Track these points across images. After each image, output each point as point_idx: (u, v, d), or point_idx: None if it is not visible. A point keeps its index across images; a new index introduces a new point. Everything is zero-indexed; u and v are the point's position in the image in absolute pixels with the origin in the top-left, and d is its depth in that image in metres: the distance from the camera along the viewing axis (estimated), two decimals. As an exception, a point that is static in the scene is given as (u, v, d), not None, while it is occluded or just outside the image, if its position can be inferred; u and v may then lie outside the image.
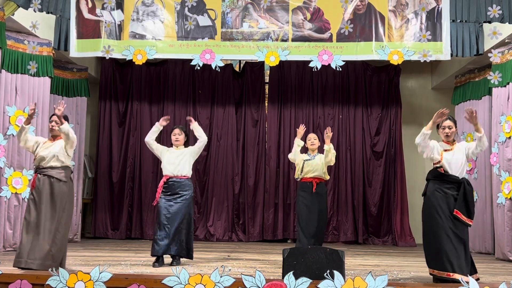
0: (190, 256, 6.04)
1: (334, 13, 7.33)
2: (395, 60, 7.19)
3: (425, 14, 7.25)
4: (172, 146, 6.26)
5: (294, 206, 8.95)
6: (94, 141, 9.74)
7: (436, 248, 4.77)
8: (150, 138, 6.25)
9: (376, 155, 9.53)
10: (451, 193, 4.83)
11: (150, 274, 4.98)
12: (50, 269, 4.23)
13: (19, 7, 6.72)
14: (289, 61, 8.04)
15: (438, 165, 4.96)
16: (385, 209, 9.41)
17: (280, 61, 7.26)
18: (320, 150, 6.71)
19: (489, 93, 7.85)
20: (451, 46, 7.17)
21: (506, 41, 7.19)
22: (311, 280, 4.05)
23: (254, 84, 9.69)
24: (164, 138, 9.30)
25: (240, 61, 9.83)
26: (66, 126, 5.15)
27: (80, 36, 7.39)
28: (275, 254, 7.09)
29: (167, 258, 6.11)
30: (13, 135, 7.04)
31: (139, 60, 7.28)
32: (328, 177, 6.59)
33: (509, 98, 7.22)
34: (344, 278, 4.06)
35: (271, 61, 7.22)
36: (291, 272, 4.05)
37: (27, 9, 6.83)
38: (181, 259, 6.09)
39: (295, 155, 6.66)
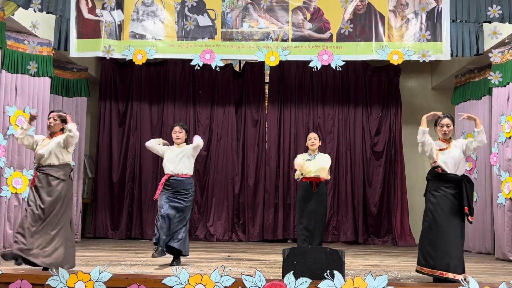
0: (186, 253, 6.07)
1: (334, 13, 7.33)
2: (395, 60, 7.19)
3: (425, 14, 7.25)
4: (173, 144, 6.25)
5: (294, 206, 8.96)
6: (94, 141, 9.74)
7: (432, 247, 4.82)
8: (150, 142, 6.29)
9: (376, 155, 9.53)
10: (450, 192, 4.85)
11: (150, 274, 4.98)
12: (50, 269, 4.23)
13: (19, 7, 6.72)
14: (289, 61, 8.04)
15: (435, 165, 4.99)
16: (385, 209, 9.41)
17: (280, 61, 7.25)
18: (321, 149, 6.68)
19: (489, 93, 7.85)
20: (451, 46, 7.16)
21: (506, 41, 7.19)
22: (311, 280, 4.05)
23: (254, 84, 9.69)
24: (164, 138, 9.30)
25: (240, 61, 9.83)
26: (71, 125, 5.16)
27: (80, 36, 7.39)
28: (275, 254, 7.09)
29: (168, 258, 6.12)
30: (13, 135, 7.04)
31: (139, 60, 7.28)
32: (328, 177, 6.48)
33: (509, 98, 7.22)
34: (344, 278, 4.06)
35: (271, 61, 7.22)
36: (291, 272, 4.05)
37: (27, 9, 6.83)
38: (181, 259, 6.11)
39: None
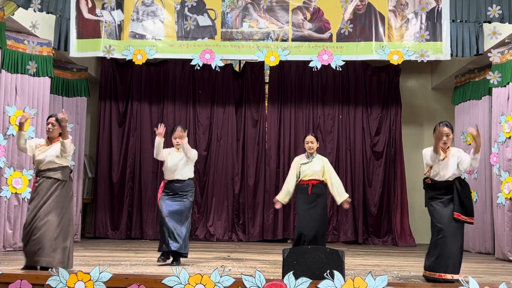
0: (186, 254, 6.08)
1: (334, 13, 7.33)
2: (395, 60, 7.19)
3: (425, 14, 7.25)
4: (172, 146, 6.25)
5: (294, 206, 8.95)
6: (94, 141, 9.74)
7: (437, 251, 4.86)
8: (157, 154, 6.16)
9: (376, 155, 9.53)
10: (446, 197, 4.92)
11: (150, 274, 4.98)
12: (50, 269, 4.23)
13: (19, 7, 6.72)
14: (289, 61, 8.04)
15: (425, 177, 5.10)
16: (385, 209, 9.41)
17: (280, 61, 7.25)
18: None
19: (489, 93, 7.85)
20: (451, 46, 7.17)
21: (506, 41, 7.19)
22: (311, 280, 4.05)
23: (254, 84, 9.69)
24: (164, 138, 9.29)
25: (240, 61, 9.83)
26: (67, 142, 5.15)
27: (80, 36, 7.39)
28: (275, 254, 7.09)
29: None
30: (13, 135, 7.04)
31: (139, 60, 7.28)
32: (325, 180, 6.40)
33: (509, 98, 7.22)
34: (344, 278, 4.06)
35: (271, 61, 7.22)
36: (291, 272, 4.05)
37: (27, 9, 6.83)
38: (181, 259, 6.11)
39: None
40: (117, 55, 7.38)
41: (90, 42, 7.39)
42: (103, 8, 7.40)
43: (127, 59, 7.33)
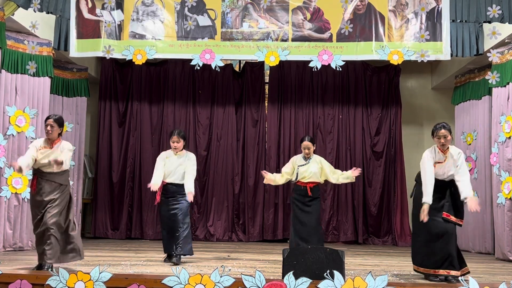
0: (191, 252, 6.15)
1: (334, 13, 7.33)
2: (395, 60, 7.19)
3: (425, 14, 7.25)
4: (170, 149, 6.32)
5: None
6: (94, 141, 9.74)
7: (424, 247, 5.00)
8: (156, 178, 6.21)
9: (376, 155, 9.53)
10: (437, 196, 5.00)
11: (150, 274, 4.98)
12: (50, 269, 4.23)
13: (19, 7, 6.72)
14: (289, 61, 8.04)
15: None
16: (385, 209, 9.41)
17: (280, 61, 7.25)
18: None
19: (489, 93, 7.85)
20: (451, 46, 7.17)
21: (506, 41, 7.19)
22: (311, 280, 4.05)
23: (254, 84, 9.69)
24: (164, 138, 9.31)
25: (240, 61, 9.83)
26: (66, 162, 5.18)
27: (80, 36, 7.39)
28: (275, 254, 7.09)
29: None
30: (13, 135, 7.04)
31: (139, 60, 7.28)
32: (323, 181, 6.52)
33: (509, 98, 7.22)
34: (344, 278, 4.06)
35: (271, 61, 7.22)
36: (291, 272, 4.05)
37: (27, 9, 6.83)
38: (183, 258, 6.20)
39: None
40: (117, 55, 7.38)
41: (90, 42, 7.39)
42: (103, 8, 7.40)
43: (127, 59, 7.33)
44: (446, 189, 5.06)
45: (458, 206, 5.03)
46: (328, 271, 4.07)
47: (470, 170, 8.42)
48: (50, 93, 7.79)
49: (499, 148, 7.34)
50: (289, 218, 9.28)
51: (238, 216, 9.46)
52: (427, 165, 5.05)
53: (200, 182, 9.40)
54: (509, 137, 7.14)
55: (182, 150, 6.22)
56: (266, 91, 9.73)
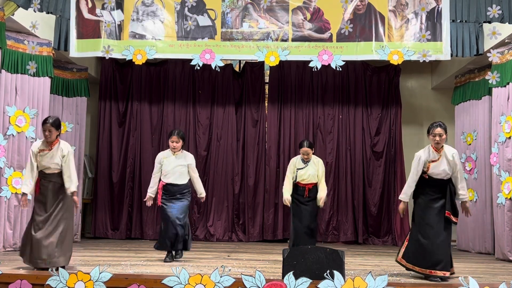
0: (189, 247, 6.42)
1: (334, 13, 7.33)
2: (395, 60, 7.19)
3: (425, 14, 7.25)
4: (167, 149, 6.44)
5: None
6: (94, 141, 9.74)
7: (421, 246, 5.10)
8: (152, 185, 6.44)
9: (376, 155, 9.53)
10: (437, 196, 5.13)
11: (150, 274, 4.98)
12: (50, 269, 4.23)
13: (19, 7, 6.71)
14: (289, 61, 8.04)
15: (422, 172, 5.24)
16: (385, 209, 9.41)
17: (280, 61, 7.26)
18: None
19: (489, 93, 7.85)
20: (451, 46, 7.16)
21: (506, 41, 7.19)
22: (311, 280, 4.05)
23: (254, 84, 9.69)
24: (164, 138, 9.31)
25: (240, 61, 9.83)
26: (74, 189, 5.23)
27: (80, 36, 7.39)
28: (275, 254, 7.09)
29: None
30: (13, 135, 7.04)
31: (139, 60, 7.28)
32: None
33: (509, 98, 7.21)
34: (344, 278, 4.07)
35: (271, 61, 7.22)
36: (291, 272, 4.05)
37: (27, 9, 6.83)
38: (183, 254, 6.40)
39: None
40: (116, 55, 7.39)
41: (90, 42, 7.39)
42: (103, 8, 7.40)
43: (127, 59, 7.33)
44: (445, 188, 5.13)
45: (455, 205, 5.16)
46: (328, 271, 4.07)
47: (470, 170, 8.42)
48: (50, 93, 7.79)
49: (499, 148, 7.34)
50: (289, 218, 9.30)
51: (238, 216, 9.46)
52: (417, 167, 5.19)
53: (200, 182, 9.42)
54: (509, 137, 7.14)
55: (180, 151, 6.29)
56: (266, 91, 9.73)
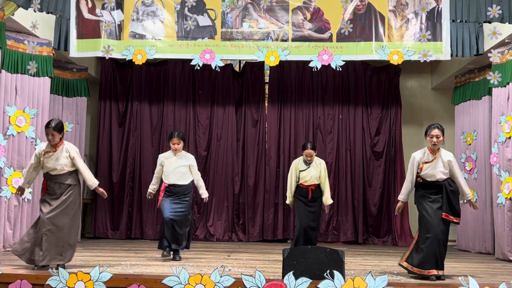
0: (189, 246, 6.49)
1: (334, 13, 7.33)
2: (395, 60, 7.20)
3: (425, 14, 7.25)
4: (170, 150, 6.45)
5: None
6: (94, 141, 9.74)
7: (425, 248, 5.08)
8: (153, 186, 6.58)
9: (376, 155, 9.53)
10: (435, 197, 5.16)
11: (150, 274, 4.98)
12: (50, 269, 4.23)
13: (19, 7, 6.71)
14: (289, 61, 8.04)
15: (416, 176, 5.29)
16: (385, 209, 9.41)
17: (280, 61, 7.26)
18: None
19: (489, 93, 7.85)
20: (451, 46, 7.17)
21: (506, 41, 7.19)
22: (311, 280, 4.05)
23: (254, 84, 9.69)
24: (164, 139, 9.31)
25: (240, 61, 9.83)
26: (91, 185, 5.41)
27: (80, 36, 7.39)
28: (275, 254, 7.09)
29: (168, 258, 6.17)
30: (13, 135, 7.04)
31: (139, 60, 7.28)
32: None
33: (509, 98, 7.22)
34: (344, 278, 4.07)
35: (271, 61, 7.22)
36: (291, 272, 4.05)
37: (27, 9, 6.82)
38: (182, 255, 6.40)
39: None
40: (116, 55, 7.39)
41: (90, 42, 7.39)
42: (103, 8, 7.40)
43: (127, 59, 7.33)
44: (442, 190, 5.15)
45: (453, 205, 5.15)
46: (328, 271, 4.07)
47: (470, 170, 8.42)
48: (50, 93, 7.79)
49: (499, 148, 7.34)
50: (289, 218, 9.34)
51: (238, 216, 9.46)
52: (412, 167, 5.25)
53: (200, 182, 9.43)
54: (509, 137, 7.14)
55: (180, 152, 6.35)
56: (266, 91, 9.73)
